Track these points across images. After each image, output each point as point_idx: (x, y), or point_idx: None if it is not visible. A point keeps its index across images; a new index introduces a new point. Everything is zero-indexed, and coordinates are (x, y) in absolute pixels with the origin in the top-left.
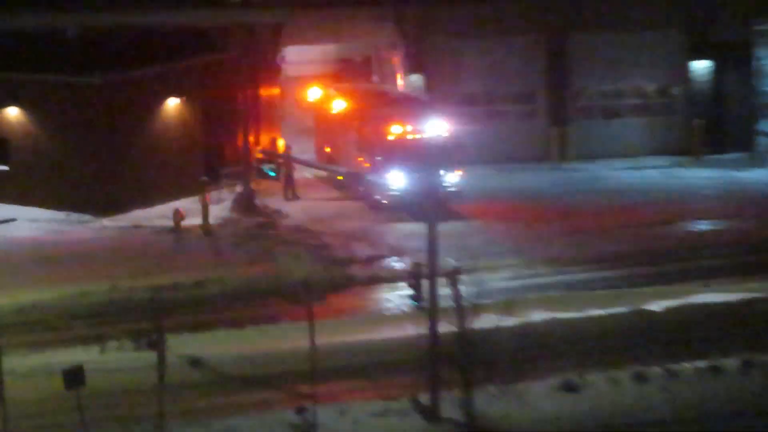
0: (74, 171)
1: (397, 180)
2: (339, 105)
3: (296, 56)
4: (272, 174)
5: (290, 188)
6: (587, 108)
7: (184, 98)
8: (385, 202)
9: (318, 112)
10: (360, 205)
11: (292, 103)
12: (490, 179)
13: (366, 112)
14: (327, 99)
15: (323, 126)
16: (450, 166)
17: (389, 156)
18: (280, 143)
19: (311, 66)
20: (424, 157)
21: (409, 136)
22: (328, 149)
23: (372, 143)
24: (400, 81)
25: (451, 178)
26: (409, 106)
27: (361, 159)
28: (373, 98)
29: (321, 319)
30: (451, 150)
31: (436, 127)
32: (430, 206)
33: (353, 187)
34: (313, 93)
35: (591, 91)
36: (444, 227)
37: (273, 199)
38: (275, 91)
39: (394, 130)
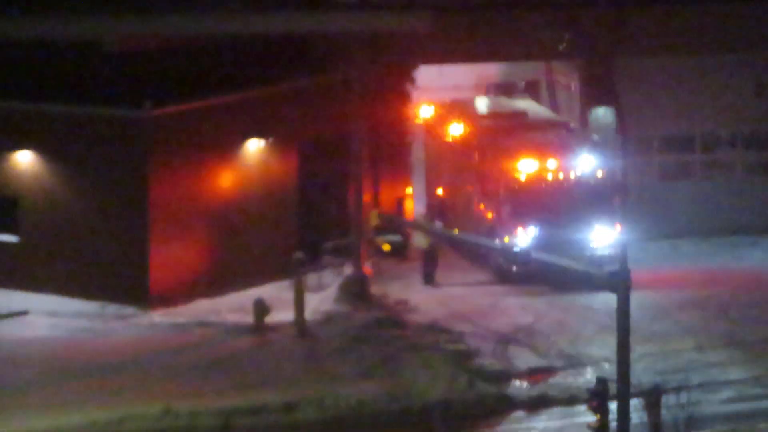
0: (111, 244)
1: (528, 236)
2: (456, 129)
3: (431, 80)
4: (396, 248)
5: (431, 269)
6: None
7: (271, 139)
8: (515, 269)
9: (430, 140)
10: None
11: (421, 146)
12: (704, 257)
13: (490, 139)
14: (440, 121)
15: (435, 160)
16: (605, 218)
17: (521, 203)
18: (409, 204)
19: (452, 94)
20: (570, 207)
21: (550, 175)
22: (440, 192)
23: (497, 185)
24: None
25: (606, 234)
26: (552, 133)
27: (482, 206)
28: (504, 120)
29: None
30: (608, 196)
31: (588, 164)
32: (620, 291)
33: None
34: (424, 112)
35: None
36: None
37: (397, 285)
38: (403, 129)
39: (529, 167)
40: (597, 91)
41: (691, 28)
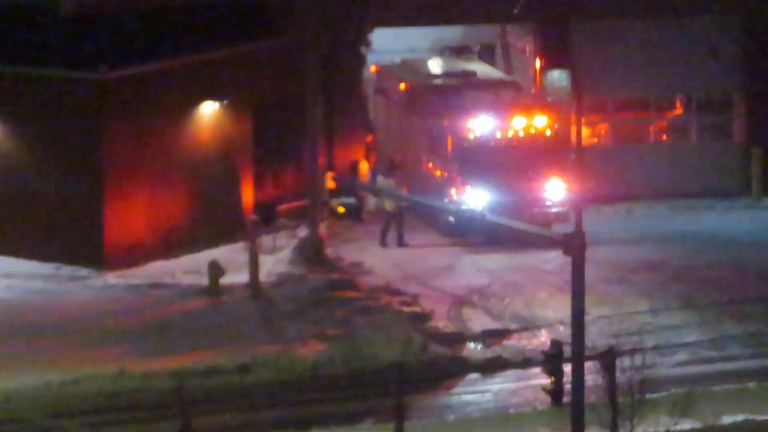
0: (66, 206)
1: (478, 196)
2: (405, 89)
3: (384, 43)
4: (351, 210)
5: (400, 230)
6: None
7: (226, 102)
8: (451, 220)
9: (380, 100)
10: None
11: (375, 108)
12: (660, 221)
13: (438, 98)
14: (390, 81)
15: (385, 120)
16: (554, 177)
17: (470, 162)
18: (364, 166)
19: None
20: (519, 165)
21: (498, 134)
22: (390, 152)
23: (446, 143)
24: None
25: (555, 192)
26: (502, 92)
27: (431, 165)
28: (453, 79)
29: (418, 420)
30: (557, 155)
31: (537, 123)
32: (575, 253)
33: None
34: (374, 71)
35: None
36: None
37: (352, 248)
38: (358, 92)
39: (479, 125)
40: (552, 53)
41: None
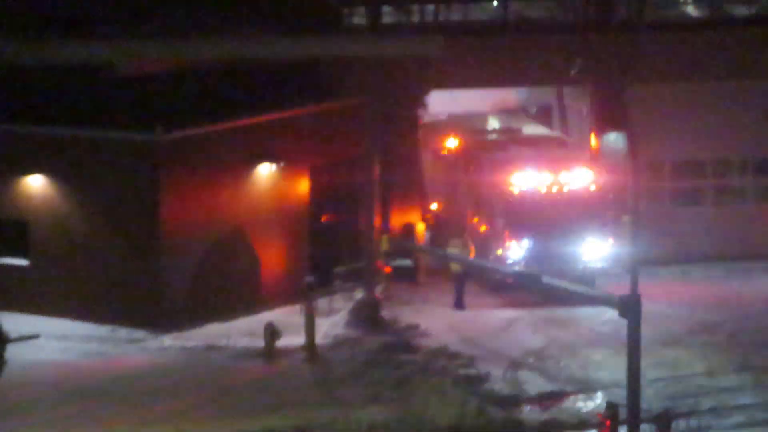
0: (122, 268)
1: (524, 251)
2: (451, 143)
3: (442, 106)
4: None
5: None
6: None
7: (283, 164)
8: (509, 281)
9: (428, 156)
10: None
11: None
12: (714, 284)
13: (482, 153)
14: (437, 136)
15: (432, 176)
16: (598, 233)
17: (515, 217)
18: (420, 228)
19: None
20: (562, 220)
21: (543, 189)
22: (435, 207)
23: (491, 199)
24: (593, 142)
25: (599, 248)
26: (547, 148)
27: (476, 221)
28: (497, 135)
29: None
30: (601, 210)
31: (582, 178)
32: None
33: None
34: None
35: None
36: None
37: (408, 310)
38: (414, 153)
39: (523, 180)
40: (608, 115)
41: (703, 55)
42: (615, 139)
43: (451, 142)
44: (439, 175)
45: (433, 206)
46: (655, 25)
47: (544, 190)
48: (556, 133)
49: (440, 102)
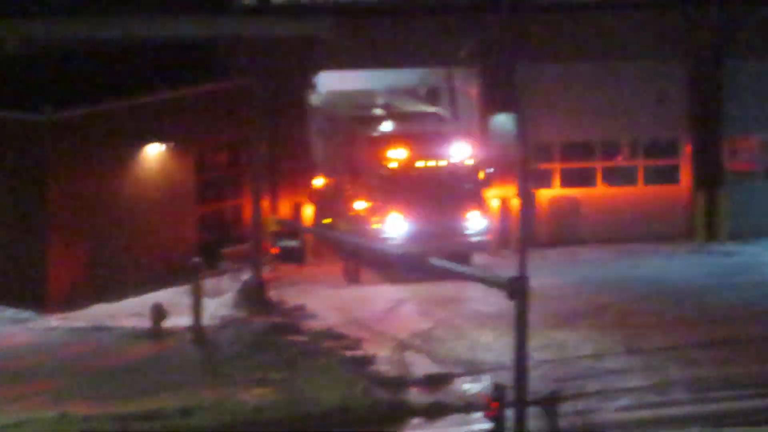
0: (8, 248)
1: (398, 227)
2: (329, 120)
3: (332, 86)
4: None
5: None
6: (749, 165)
7: (171, 144)
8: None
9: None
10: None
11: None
12: (604, 266)
13: (359, 128)
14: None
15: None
16: (476, 206)
17: (391, 192)
18: (309, 209)
19: None
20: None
21: (419, 163)
22: (319, 184)
23: (367, 173)
24: (482, 124)
25: (476, 222)
26: (423, 123)
27: (355, 196)
28: (375, 110)
29: None
30: (478, 184)
31: (459, 152)
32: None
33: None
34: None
35: (755, 140)
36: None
37: (294, 291)
38: (301, 135)
39: (398, 155)
40: (498, 97)
41: (592, 36)
42: (504, 120)
43: (329, 119)
44: (323, 152)
45: (317, 182)
46: (543, 6)
47: (420, 164)
48: (434, 108)
49: (334, 84)
